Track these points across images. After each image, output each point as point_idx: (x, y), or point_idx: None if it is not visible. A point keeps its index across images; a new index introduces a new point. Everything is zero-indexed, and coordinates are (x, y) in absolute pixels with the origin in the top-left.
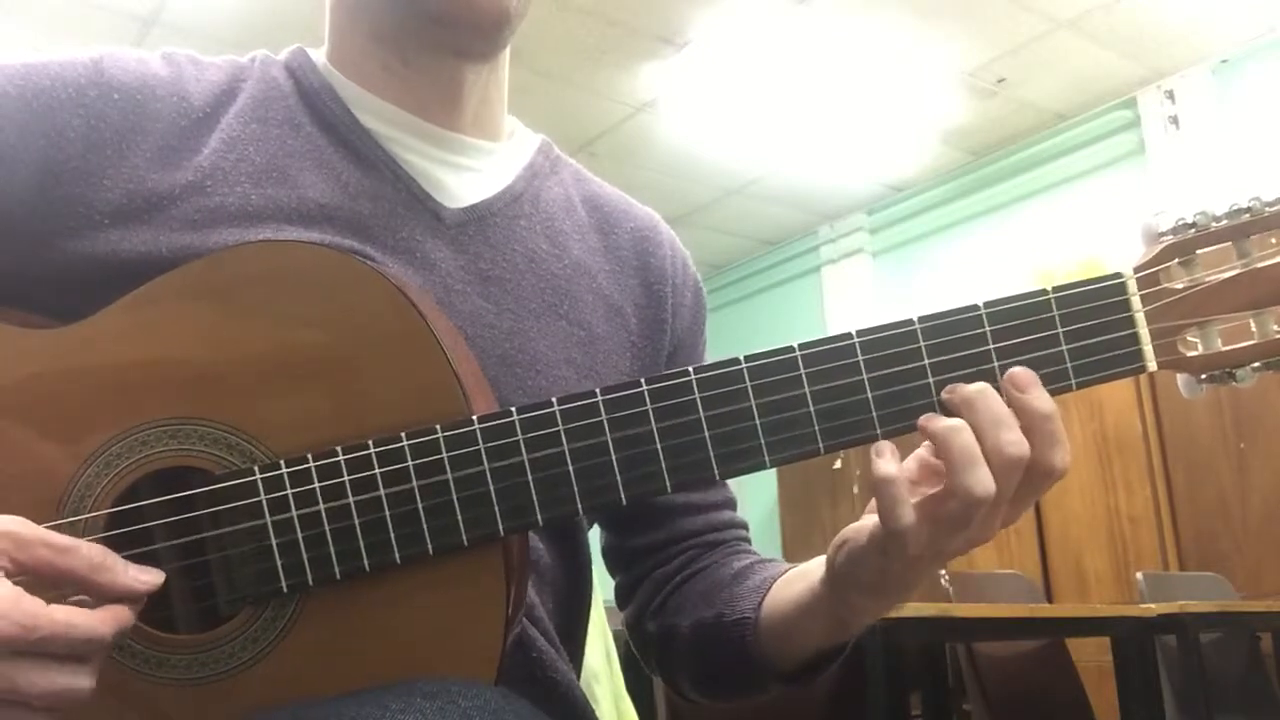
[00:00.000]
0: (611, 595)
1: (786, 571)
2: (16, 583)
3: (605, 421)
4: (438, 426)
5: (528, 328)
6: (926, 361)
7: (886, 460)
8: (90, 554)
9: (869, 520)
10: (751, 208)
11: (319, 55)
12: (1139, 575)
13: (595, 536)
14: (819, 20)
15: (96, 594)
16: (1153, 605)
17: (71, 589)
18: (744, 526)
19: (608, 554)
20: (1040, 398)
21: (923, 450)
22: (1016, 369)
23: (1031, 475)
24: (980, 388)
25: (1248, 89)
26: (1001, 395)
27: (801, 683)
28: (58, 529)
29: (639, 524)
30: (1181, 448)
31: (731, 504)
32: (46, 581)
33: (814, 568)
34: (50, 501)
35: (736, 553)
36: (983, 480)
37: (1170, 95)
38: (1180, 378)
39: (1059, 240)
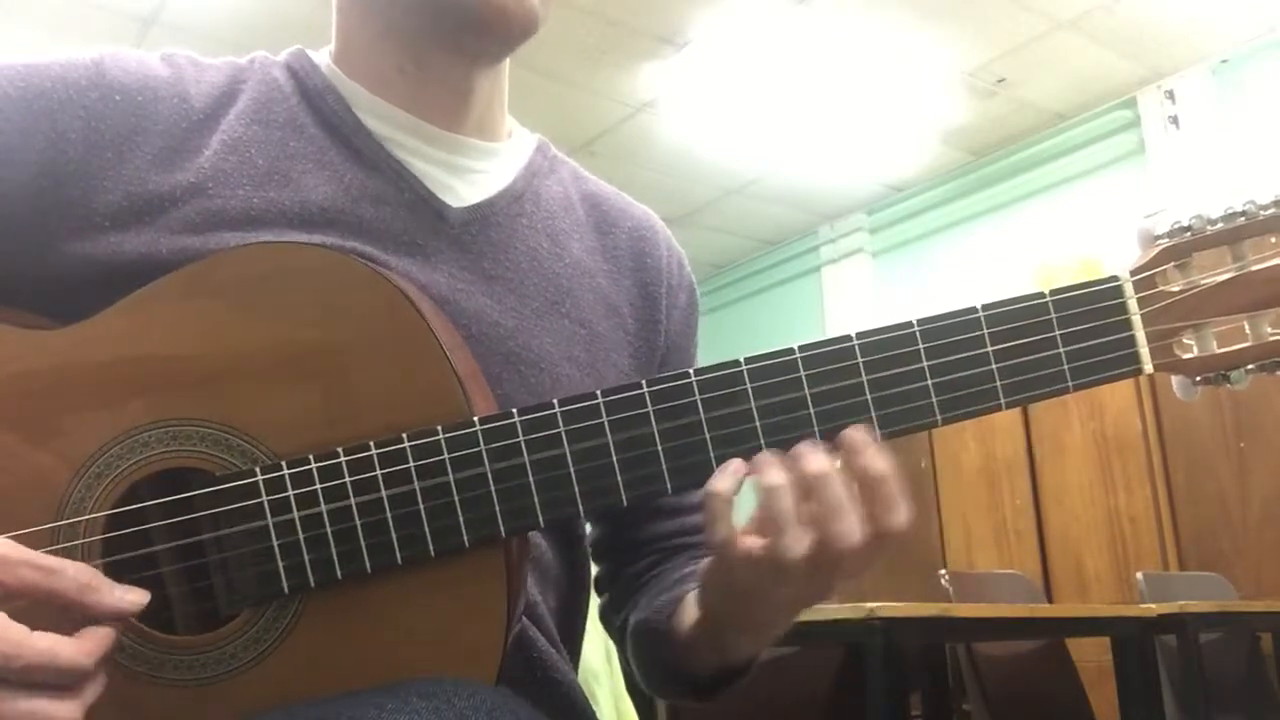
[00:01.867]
0: None
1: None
2: (6, 609)
3: (606, 423)
4: (439, 427)
5: (531, 326)
6: (925, 364)
7: (724, 477)
8: (77, 574)
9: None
10: (751, 208)
11: (321, 56)
12: (1139, 575)
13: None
14: (819, 20)
15: (83, 614)
16: (1153, 605)
17: (59, 610)
18: None
19: (591, 545)
20: (875, 460)
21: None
22: (850, 431)
23: (879, 540)
24: (824, 473)
25: (1248, 89)
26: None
27: (715, 696)
28: (58, 531)
29: (618, 522)
30: (1181, 448)
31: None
32: (31, 603)
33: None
34: (50, 504)
35: (693, 559)
36: (787, 546)
37: (1170, 95)
38: (1175, 379)
39: (1059, 240)
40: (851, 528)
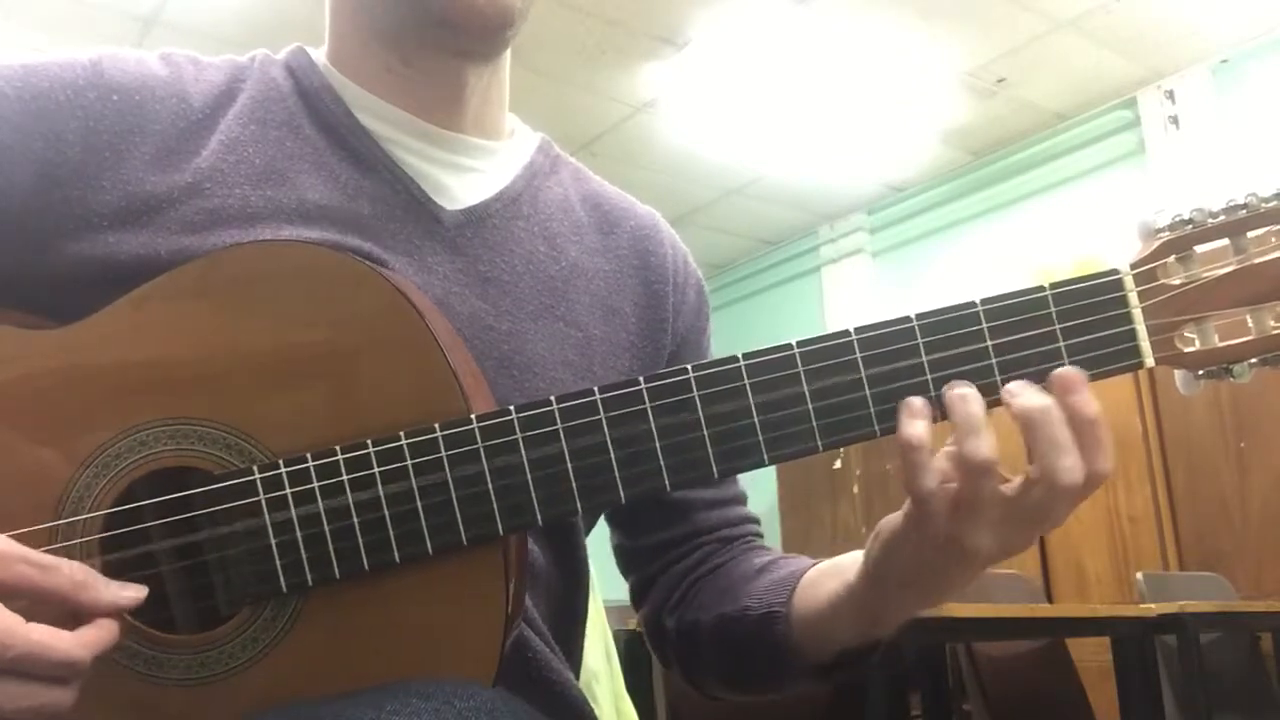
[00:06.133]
0: (612, 595)
1: (814, 565)
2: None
3: (604, 420)
4: (436, 425)
5: (525, 329)
6: (924, 358)
7: (916, 424)
8: (72, 572)
9: (904, 509)
10: (751, 208)
11: (319, 55)
12: (1139, 575)
13: (595, 538)
14: (819, 20)
15: (80, 612)
16: (1153, 605)
17: (56, 608)
18: (756, 521)
19: (619, 553)
20: (1089, 403)
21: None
22: (1067, 369)
23: (1088, 484)
24: (1044, 407)
25: (1248, 89)
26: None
27: (833, 678)
28: (57, 530)
29: (652, 521)
30: (1181, 448)
31: (742, 499)
32: (28, 599)
33: (847, 563)
34: (49, 502)
35: (753, 548)
36: (992, 486)
37: (1170, 95)
38: (1177, 373)
39: (1059, 240)
40: (1074, 464)
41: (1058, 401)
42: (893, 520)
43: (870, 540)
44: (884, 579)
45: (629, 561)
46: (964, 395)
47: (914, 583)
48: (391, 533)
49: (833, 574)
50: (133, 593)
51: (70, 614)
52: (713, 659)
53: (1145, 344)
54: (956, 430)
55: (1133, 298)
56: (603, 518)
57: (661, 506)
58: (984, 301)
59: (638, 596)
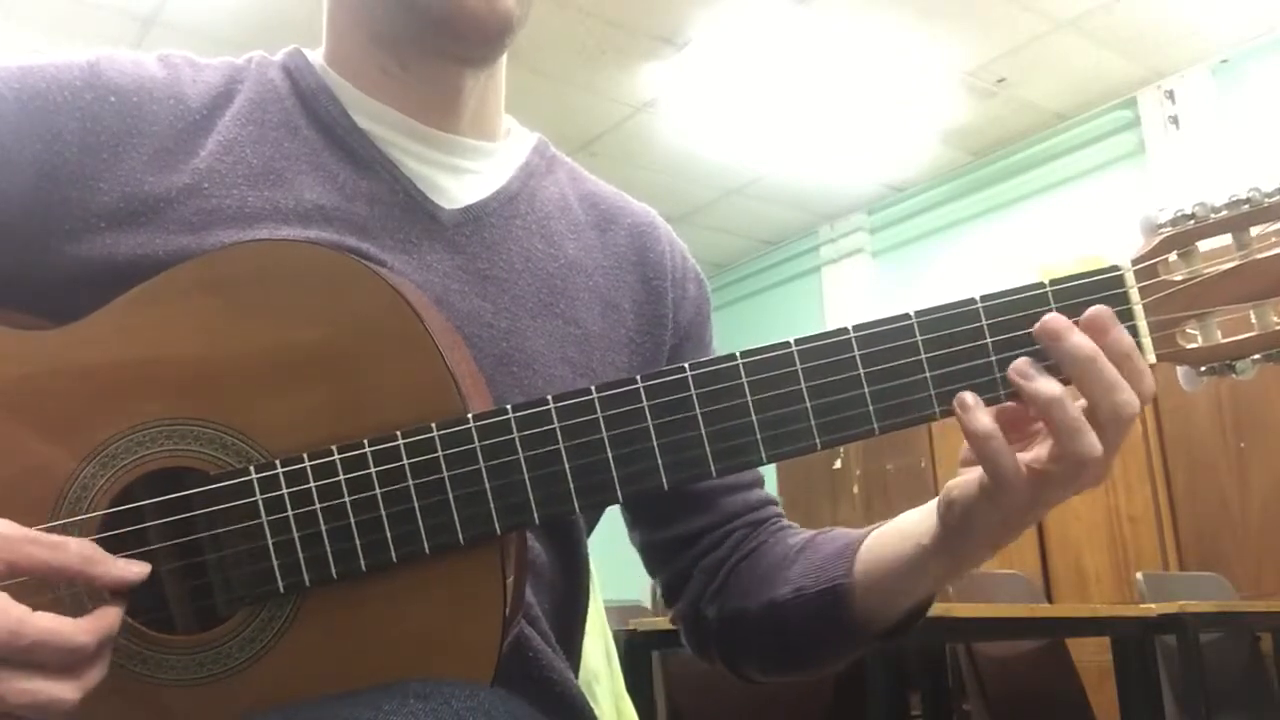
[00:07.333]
0: (612, 595)
1: (865, 535)
2: (3, 588)
3: (601, 419)
4: (433, 425)
5: (524, 327)
6: (924, 356)
7: (979, 415)
8: (80, 548)
9: (972, 474)
10: (751, 208)
11: (316, 56)
12: (1139, 575)
13: (596, 538)
14: (819, 20)
15: (89, 587)
16: (1153, 605)
17: (64, 586)
18: (776, 502)
19: (646, 551)
20: (1123, 336)
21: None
22: (1098, 308)
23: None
24: (1093, 352)
25: (1248, 89)
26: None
27: (892, 639)
28: (54, 530)
29: (676, 513)
30: (1181, 448)
31: (760, 481)
32: (39, 579)
33: (912, 526)
34: (47, 502)
35: (783, 528)
36: (1092, 444)
37: (1170, 95)
38: (1180, 370)
39: (1059, 240)
40: (1131, 398)
41: (1096, 343)
42: (966, 488)
43: (943, 508)
44: (964, 541)
45: (658, 557)
46: (1054, 398)
47: (995, 540)
48: (388, 533)
49: (901, 539)
50: (139, 568)
51: (73, 602)
52: (762, 642)
53: (1147, 340)
54: (1056, 432)
55: (1134, 294)
56: (622, 518)
57: (684, 498)
58: (984, 298)
59: (672, 591)
